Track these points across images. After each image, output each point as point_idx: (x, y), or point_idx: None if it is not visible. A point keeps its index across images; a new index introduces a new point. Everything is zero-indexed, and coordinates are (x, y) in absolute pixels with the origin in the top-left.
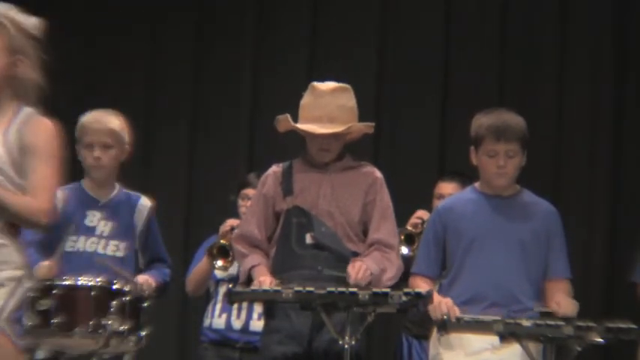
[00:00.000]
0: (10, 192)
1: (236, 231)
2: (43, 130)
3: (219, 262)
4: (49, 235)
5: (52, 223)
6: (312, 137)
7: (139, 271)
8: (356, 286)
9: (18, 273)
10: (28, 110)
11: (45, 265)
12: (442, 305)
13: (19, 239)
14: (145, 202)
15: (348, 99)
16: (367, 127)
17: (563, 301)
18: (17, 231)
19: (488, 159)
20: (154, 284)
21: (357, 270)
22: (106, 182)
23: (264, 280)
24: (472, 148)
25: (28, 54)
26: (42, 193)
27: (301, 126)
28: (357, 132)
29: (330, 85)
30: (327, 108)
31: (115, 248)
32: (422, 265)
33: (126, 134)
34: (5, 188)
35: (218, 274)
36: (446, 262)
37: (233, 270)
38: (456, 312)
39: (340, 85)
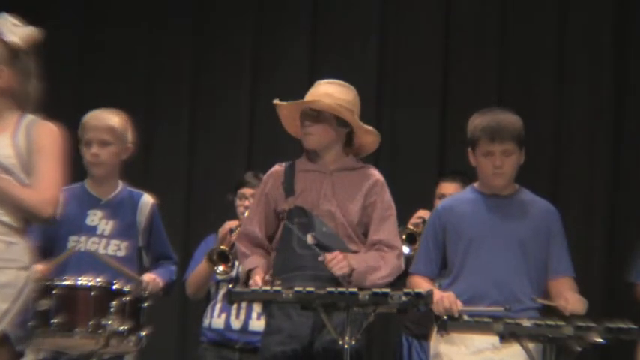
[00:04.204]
0: (14, 184)
1: (239, 229)
2: (49, 132)
3: (220, 268)
4: (48, 237)
5: (55, 216)
6: (287, 117)
7: (144, 270)
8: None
9: (23, 274)
10: (31, 116)
11: (37, 270)
12: (444, 300)
13: (28, 239)
14: (148, 200)
15: (340, 92)
16: (341, 108)
17: (571, 297)
18: (27, 230)
19: (484, 159)
20: (161, 283)
21: (334, 257)
22: (107, 180)
23: (257, 281)
24: (469, 149)
25: (13, 64)
26: (46, 186)
27: (275, 101)
28: (350, 120)
29: (332, 79)
30: (313, 94)
31: (116, 248)
32: (420, 265)
33: (127, 132)
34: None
35: (218, 275)
36: (446, 262)
37: (233, 272)
38: (459, 305)
39: (342, 82)
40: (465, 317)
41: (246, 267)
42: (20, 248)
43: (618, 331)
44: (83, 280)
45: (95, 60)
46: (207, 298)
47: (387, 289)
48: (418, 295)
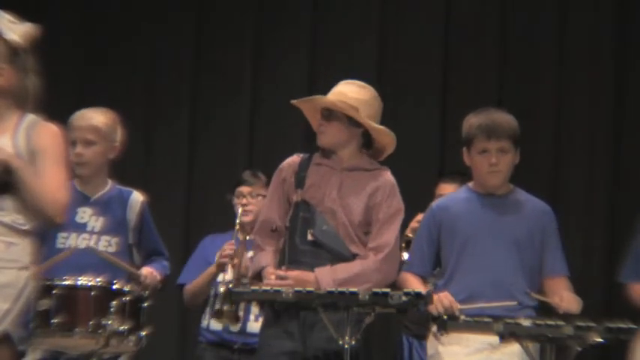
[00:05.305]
0: (34, 176)
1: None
2: (50, 133)
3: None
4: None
5: (62, 220)
6: (309, 115)
7: (135, 267)
8: None
9: (23, 274)
10: (31, 116)
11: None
12: (443, 300)
13: (30, 239)
14: (137, 197)
15: (352, 91)
16: (344, 105)
17: (566, 296)
18: (28, 231)
19: (480, 157)
20: (158, 277)
21: (287, 276)
22: (94, 179)
23: (269, 284)
24: (464, 149)
25: (14, 62)
26: (54, 190)
27: (293, 100)
28: (354, 115)
29: (352, 80)
30: (329, 94)
31: (106, 244)
32: (414, 264)
33: (114, 131)
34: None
35: (218, 279)
36: (441, 262)
37: (231, 275)
38: (457, 305)
39: (361, 82)
40: (464, 317)
41: (257, 263)
42: (20, 249)
43: (618, 331)
44: (83, 280)
45: (95, 60)
46: (206, 299)
47: (387, 289)
48: (418, 295)
